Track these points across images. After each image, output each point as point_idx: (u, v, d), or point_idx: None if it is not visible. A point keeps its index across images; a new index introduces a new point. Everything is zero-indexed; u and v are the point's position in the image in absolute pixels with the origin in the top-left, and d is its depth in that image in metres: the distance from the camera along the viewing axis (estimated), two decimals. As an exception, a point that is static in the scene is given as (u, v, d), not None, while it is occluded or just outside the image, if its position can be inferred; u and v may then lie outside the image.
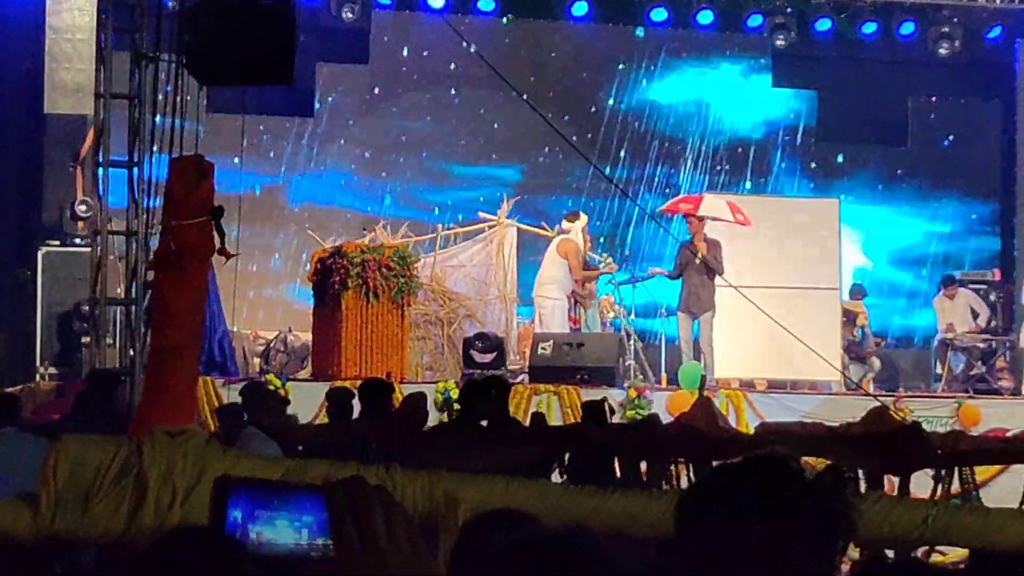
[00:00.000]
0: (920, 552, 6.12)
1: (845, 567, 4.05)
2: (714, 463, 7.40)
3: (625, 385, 15.81)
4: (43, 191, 19.11)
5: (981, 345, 19.20)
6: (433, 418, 12.03)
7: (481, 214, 19.32)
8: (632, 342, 18.40)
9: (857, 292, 20.56)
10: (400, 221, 19.21)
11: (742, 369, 18.13)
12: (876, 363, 19.75)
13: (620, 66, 23.40)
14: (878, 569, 3.74)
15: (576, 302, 18.11)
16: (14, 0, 19.50)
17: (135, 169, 14.74)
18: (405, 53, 22.84)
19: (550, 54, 23.10)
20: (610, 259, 18.96)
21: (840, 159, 23.95)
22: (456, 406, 11.57)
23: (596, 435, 9.04)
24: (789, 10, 22.81)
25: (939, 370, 19.25)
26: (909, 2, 22.55)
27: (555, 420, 13.76)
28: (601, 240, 20.53)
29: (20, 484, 5.18)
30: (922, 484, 9.02)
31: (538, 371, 15.84)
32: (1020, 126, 22.82)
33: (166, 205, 7.07)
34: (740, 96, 23.59)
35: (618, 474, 8.77)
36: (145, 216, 14.01)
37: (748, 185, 22.98)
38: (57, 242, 17.95)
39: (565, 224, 17.91)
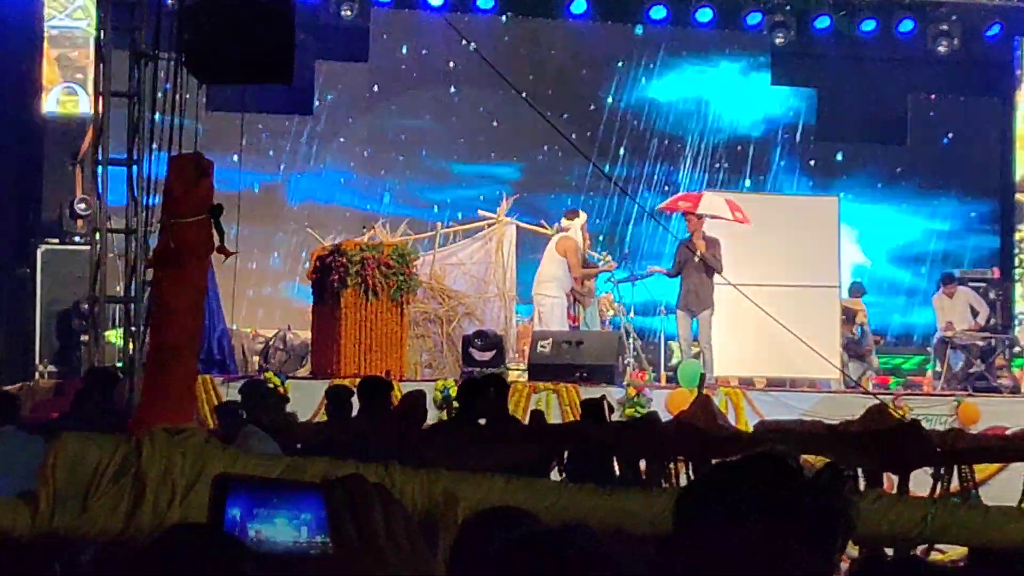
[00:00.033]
0: (919, 550, 6.12)
1: (844, 565, 4.06)
2: (713, 461, 7.40)
3: (624, 383, 15.81)
4: (42, 189, 19.12)
5: (980, 343, 19.19)
6: (432, 416, 12.02)
7: (480, 212, 19.31)
8: (631, 340, 18.41)
9: (856, 290, 20.56)
10: (399, 219, 19.21)
11: (741, 367, 18.13)
12: (875, 361, 19.76)
13: (619, 64, 23.40)
14: (877, 567, 3.74)
15: (575, 300, 18.11)
16: (13, -1, 19.50)
17: (134, 167, 14.73)
18: (404, 51, 22.84)
19: (549, 52, 23.10)
20: (609, 257, 18.97)
21: (839, 157, 23.96)
22: (455, 404, 11.56)
23: (595, 433, 9.04)
24: (788, 8, 22.82)
25: (938, 368, 19.25)
26: (908, 0, 22.55)
27: (554, 418, 13.75)
28: (600, 238, 20.54)
29: (18, 482, 5.18)
30: (921, 482, 9.01)
31: (537, 369, 15.84)
32: (1019, 124, 22.84)
33: (165, 203, 7.06)
34: (739, 94, 23.60)
35: (617, 472, 8.77)
36: (144, 214, 14.01)
37: (747, 183, 22.99)
38: (56, 240, 17.96)
39: (564, 222, 17.91)
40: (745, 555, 2.30)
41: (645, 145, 23.24)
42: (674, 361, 17.98)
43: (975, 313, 19.53)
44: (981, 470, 10.51)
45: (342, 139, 22.90)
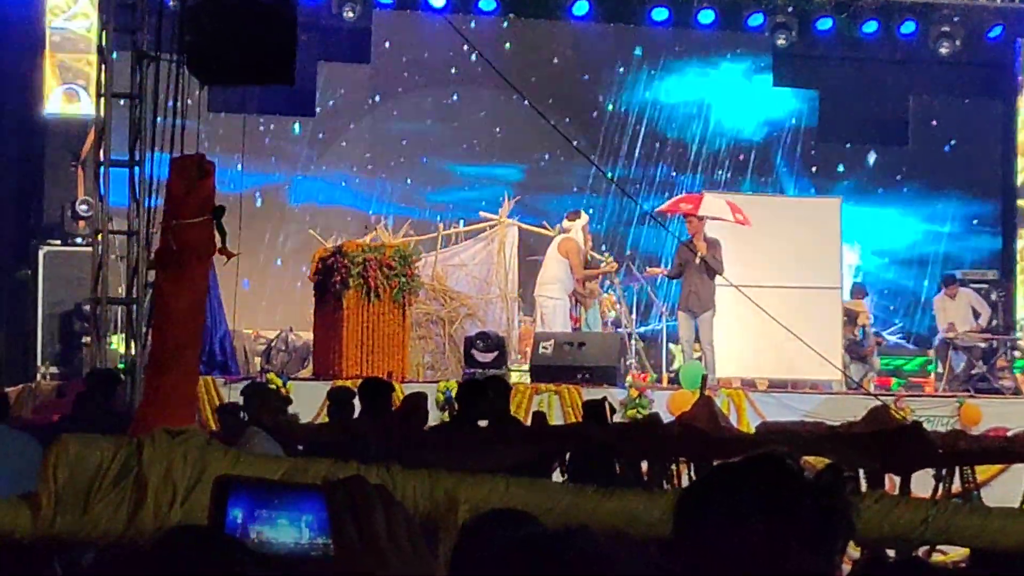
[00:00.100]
0: (921, 551, 6.11)
1: (846, 567, 4.05)
2: (715, 462, 7.40)
3: (626, 384, 15.81)
4: (44, 190, 19.12)
5: (982, 345, 19.20)
6: (434, 417, 12.02)
7: (482, 213, 19.32)
8: (633, 341, 18.42)
9: (858, 291, 20.56)
10: (401, 220, 19.22)
11: (743, 368, 18.12)
12: (877, 362, 19.75)
13: (621, 65, 23.41)
14: (879, 568, 3.74)
15: (577, 301, 18.11)
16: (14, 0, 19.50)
17: (136, 168, 14.75)
18: (406, 53, 22.83)
19: (551, 53, 23.11)
20: (611, 258, 18.97)
21: (841, 159, 23.95)
22: (456, 405, 11.57)
23: (597, 434, 9.05)
24: (790, 9, 22.82)
25: (940, 369, 19.25)
26: (910, 1, 22.57)
27: (556, 419, 13.75)
28: (602, 240, 20.54)
29: (11, 482, 5.18)
30: (923, 483, 9.02)
31: (539, 370, 15.84)
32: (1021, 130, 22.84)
33: (167, 204, 7.07)
34: (741, 95, 23.60)
35: (619, 473, 8.77)
36: (146, 215, 14.02)
37: (749, 184, 22.98)
38: (58, 241, 17.96)
39: (566, 223, 17.92)
40: (746, 556, 2.30)
41: (647, 146, 23.23)
42: (675, 366, 17.96)
43: (977, 315, 19.53)
44: (983, 471, 10.49)
45: (344, 140, 22.90)
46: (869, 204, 23.32)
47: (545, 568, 2.60)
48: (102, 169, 15.04)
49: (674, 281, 17.74)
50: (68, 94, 18.80)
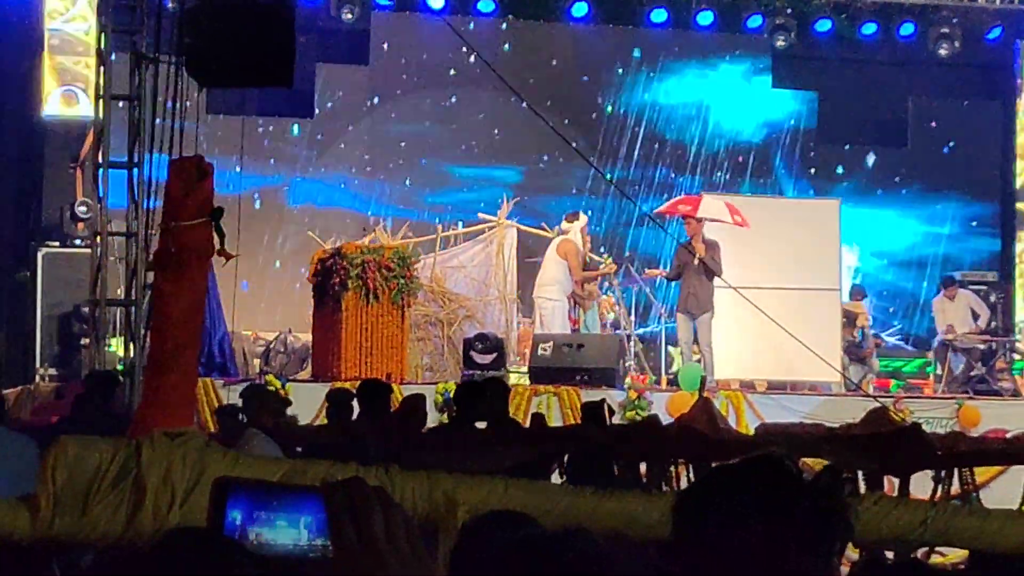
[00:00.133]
0: (920, 553, 6.12)
1: (845, 568, 4.05)
2: (714, 464, 7.40)
3: (625, 386, 15.81)
4: (43, 192, 19.13)
5: (981, 346, 19.20)
6: (433, 419, 12.02)
7: (481, 215, 19.32)
8: (632, 343, 18.42)
9: (857, 293, 20.56)
10: (400, 222, 19.22)
11: (742, 370, 18.12)
12: (876, 364, 19.75)
13: (620, 67, 23.41)
14: (877, 570, 3.74)
15: (575, 303, 18.11)
16: (13, 1, 19.50)
17: (135, 170, 14.75)
18: (405, 54, 22.83)
19: (550, 55, 23.11)
20: (610, 259, 18.97)
21: (840, 160, 23.96)
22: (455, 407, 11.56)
23: (596, 436, 9.04)
24: (789, 11, 22.82)
25: (939, 371, 19.25)
26: (909, 3, 22.57)
27: (555, 421, 13.75)
28: (601, 241, 20.54)
29: (7, 483, 5.18)
30: (922, 485, 9.02)
31: (538, 372, 15.84)
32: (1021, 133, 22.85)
33: (165, 206, 7.06)
34: (740, 97, 23.60)
35: (618, 475, 8.77)
36: (145, 217, 14.01)
37: (748, 186, 22.98)
38: (57, 243, 17.96)
39: (564, 224, 17.92)
40: (745, 558, 2.30)
41: (645, 148, 23.23)
42: (674, 369, 17.96)
43: (976, 316, 19.53)
44: (981, 473, 10.50)
45: (343, 142, 22.91)
46: (868, 205, 23.32)
47: (544, 569, 2.60)
48: (101, 171, 15.04)
49: (673, 283, 17.75)
50: (67, 96, 18.80)
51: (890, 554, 5.09)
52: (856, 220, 22.22)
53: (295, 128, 22.73)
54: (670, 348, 18.86)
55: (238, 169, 17.18)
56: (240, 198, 16.86)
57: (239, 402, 11.10)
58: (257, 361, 18.49)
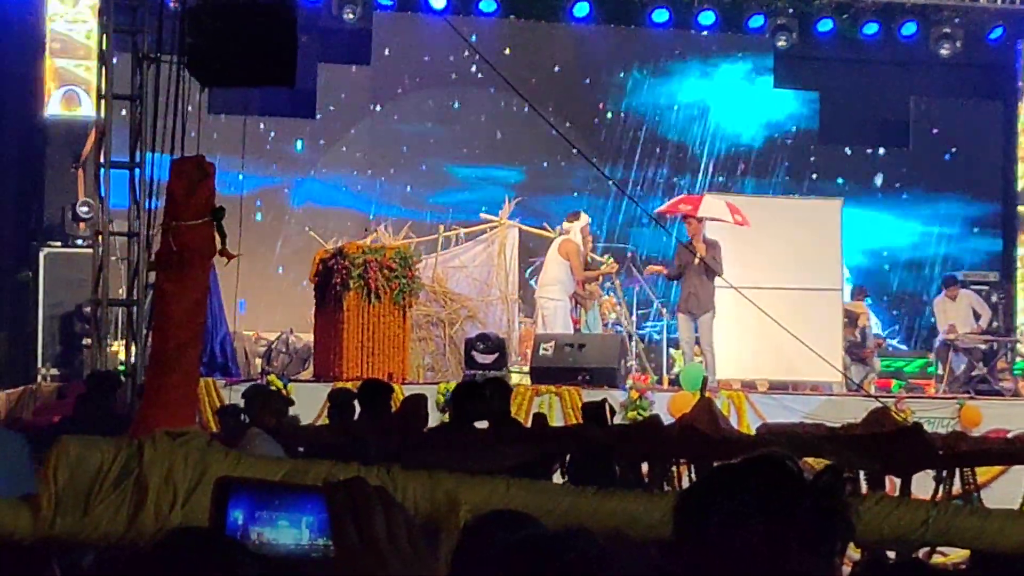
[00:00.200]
0: (921, 553, 6.11)
1: (846, 568, 4.05)
2: (715, 464, 7.40)
3: (627, 386, 15.80)
4: (45, 192, 19.13)
5: (982, 346, 19.19)
6: (435, 419, 12.00)
7: (483, 215, 19.32)
8: (634, 343, 18.41)
9: (858, 293, 20.56)
10: (402, 222, 19.22)
11: (743, 370, 18.12)
12: (877, 364, 19.75)
13: (621, 67, 23.41)
14: (879, 570, 3.74)
15: (577, 303, 18.10)
16: (14, 1, 19.52)
17: (136, 170, 14.77)
18: (406, 54, 22.83)
19: (552, 54, 23.11)
20: (611, 259, 18.96)
21: (842, 160, 23.95)
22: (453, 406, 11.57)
23: (597, 436, 9.04)
24: (791, 11, 22.83)
25: (940, 371, 19.24)
26: (910, 3, 22.57)
27: (556, 421, 13.75)
28: (602, 241, 20.53)
29: (2, 482, 5.17)
30: (923, 485, 9.01)
31: (539, 372, 15.84)
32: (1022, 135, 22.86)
33: (167, 206, 7.06)
34: (742, 97, 23.61)
35: (619, 475, 8.77)
36: (147, 217, 14.02)
37: (750, 186, 22.98)
38: (59, 243, 17.97)
39: (565, 224, 17.91)
40: (746, 557, 2.30)
41: (647, 148, 23.24)
42: (676, 370, 17.95)
43: (977, 316, 19.53)
44: (983, 473, 10.48)
45: (344, 142, 22.91)
46: (869, 206, 23.33)
47: (545, 569, 2.61)
48: (102, 171, 15.07)
49: (674, 283, 17.74)
50: (68, 96, 18.81)
51: (892, 554, 5.09)
52: (857, 220, 22.22)
53: (297, 127, 22.73)
54: (671, 351, 18.86)
55: (240, 169, 17.18)
56: (242, 198, 16.86)
57: (241, 402, 11.10)
58: (259, 361, 18.49)
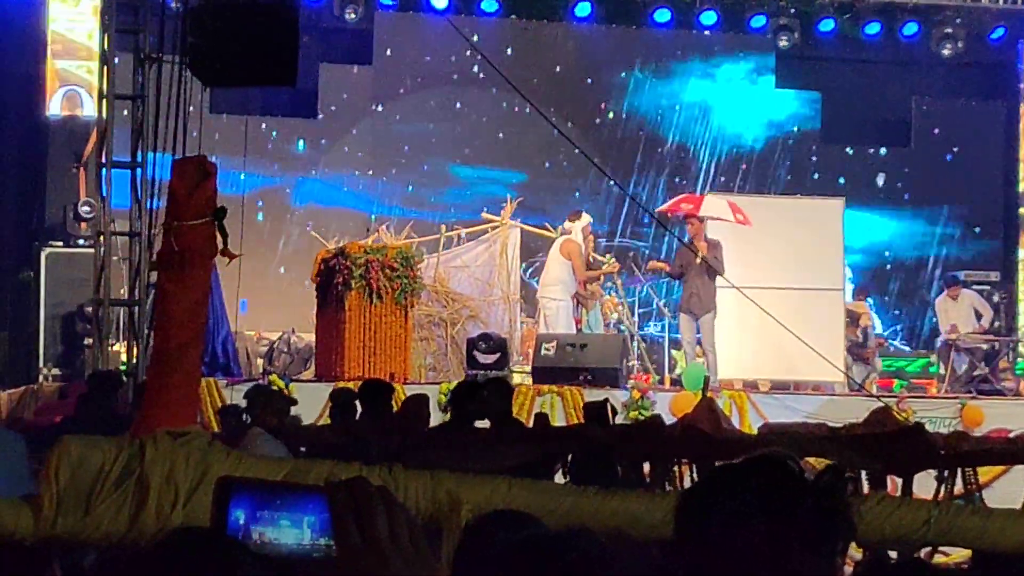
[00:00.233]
0: (923, 553, 6.12)
1: (848, 568, 4.05)
2: (717, 464, 7.40)
3: (628, 386, 15.80)
4: (46, 192, 19.14)
5: (984, 346, 19.18)
6: (436, 419, 12.00)
7: (484, 215, 19.32)
8: (635, 343, 18.41)
9: (860, 293, 20.55)
10: (403, 222, 19.22)
11: (745, 370, 18.12)
12: (879, 364, 19.75)
13: (623, 66, 23.40)
14: (881, 570, 3.74)
15: (578, 303, 18.10)
16: (15, 2, 19.53)
17: (138, 170, 14.77)
18: (408, 54, 22.83)
19: (554, 54, 23.11)
20: (612, 259, 18.96)
21: (843, 160, 23.95)
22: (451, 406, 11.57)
23: (599, 436, 9.04)
24: (793, 11, 22.83)
25: (942, 371, 19.24)
26: (912, 3, 22.56)
27: (558, 421, 13.75)
28: (604, 241, 20.53)
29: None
30: (925, 485, 9.01)
31: (541, 372, 15.84)
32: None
33: (169, 206, 7.06)
34: (743, 97, 23.61)
35: (621, 475, 8.77)
36: (148, 217, 14.03)
37: (751, 185, 22.97)
38: (60, 243, 17.97)
39: (567, 224, 17.91)
40: (748, 557, 2.30)
41: (649, 148, 23.23)
42: (677, 371, 17.95)
43: (979, 316, 19.52)
44: (985, 473, 10.49)
45: (346, 142, 22.91)
46: (871, 205, 23.32)
47: (547, 569, 2.60)
48: (104, 170, 15.08)
49: (675, 283, 17.74)
50: (70, 96, 18.83)
51: (893, 554, 5.09)
52: (859, 219, 22.22)
53: (298, 127, 22.73)
54: (673, 352, 18.86)
55: (241, 169, 17.19)
56: (243, 198, 16.88)
57: (242, 402, 11.10)
58: (260, 361, 18.49)
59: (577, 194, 22.16)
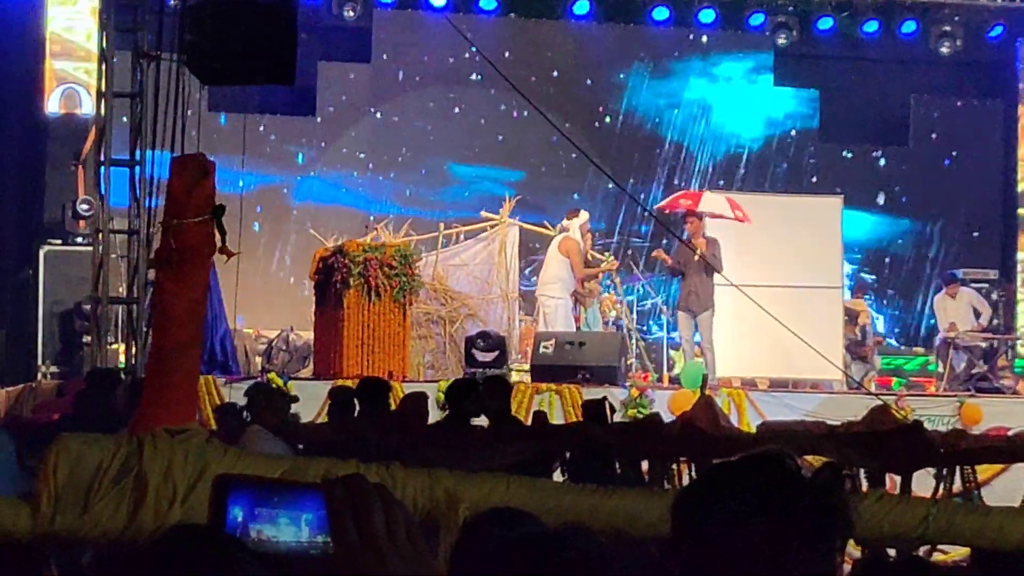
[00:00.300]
0: (922, 550, 6.12)
1: (847, 566, 4.05)
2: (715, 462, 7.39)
3: (627, 384, 15.80)
4: (45, 190, 19.13)
5: (983, 344, 19.19)
6: (435, 417, 12.00)
7: (483, 213, 19.31)
8: (634, 341, 18.41)
9: (859, 291, 20.54)
10: (402, 220, 19.21)
11: (744, 368, 18.12)
12: (878, 362, 19.74)
13: (622, 65, 23.41)
14: (879, 568, 3.74)
15: (576, 301, 18.10)
16: (15, 3, 19.53)
17: (137, 168, 14.77)
18: (407, 52, 22.83)
19: (552, 52, 23.10)
20: (611, 257, 18.96)
21: (842, 158, 23.95)
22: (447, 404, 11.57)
23: (597, 434, 9.05)
24: (791, 9, 22.84)
25: (941, 369, 19.24)
26: (911, 1, 22.57)
27: (557, 419, 13.74)
28: (603, 238, 20.53)
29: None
30: (924, 483, 9.01)
31: (540, 370, 15.84)
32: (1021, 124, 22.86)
33: (167, 204, 7.06)
34: (742, 95, 23.61)
35: (619, 473, 8.77)
36: (147, 215, 14.03)
37: (750, 183, 22.97)
38: (59, 241, 17.97)
39: (565, 222, 17.91)
40: (745, 555, 2.30)
41: (647, 145, 23.24)
42: (676, 371, 17.95)
43: (977, 314, 19.51)
44: (983, 471, 10.48)
45: (344, 140, 22.91)
46: (870, 203, 23.32)
47: (545, 567, 2.60)
48: (103, 168, 15.08)
49: (674, 280, 17.74)
50: (69, 94, 18.82)
51: (892, 552, 5.09)
52: (858, 217, 22.23)
53: (297, 125, 22.73)
54: (671, 352, 18.86)
55: (240, 168, 17.17)
56: (242, 196, 16.87)
57: (241, 400, 11.10)
58: (259, 359, 18.49)
59: (575, 193, 22.15)
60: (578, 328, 17.76)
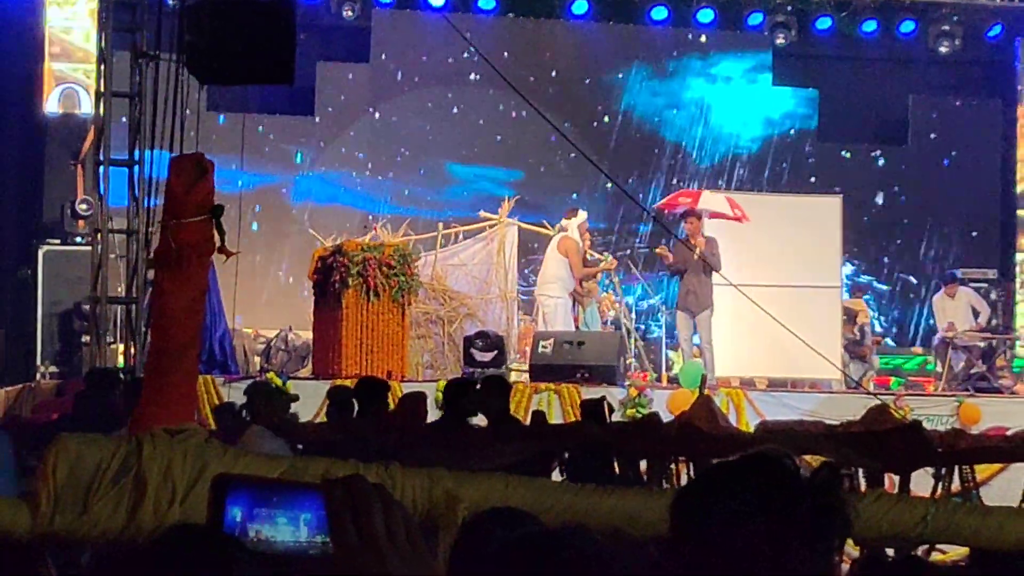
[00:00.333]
0: (921, 550, 6.12)
1: (846, 566, 4.05)
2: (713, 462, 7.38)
3: (626, 383, 15.80)
4: (44, 190, 19.14)
5: (981, 344, 19.19)
6: (434, 417, 12.01)
7: (482, 213, 19.31)
8: (633, 341, 18.40)
9: (858, 290, 20.54)
10: (401, 219, 19.21)
11: (742, 368, 18.12)
12: (876, 361, 19.74)
13: (620, 64, 23.41)
14: (878, 567, 3.75)
15: (575, 301, 18.10)
16: (14, 3, 19.53)
17: (135, 168, 14.77)
18: (406, 52, 22.83)
19: (551, 52, 23.11)
20: (610, 256, 18.96)
21: (840, 157, 23.95)
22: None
23: (596, 433, 9.05)
24: (790, 8, 22.84)
25: (939, 368, 19.24)
26: (909, 0, 22.57)
27: (556, 418, 13.74)
28: (601, 238, 20.53)
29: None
30: (922, 482, 9.02)
31: (538, 370, 15.84)
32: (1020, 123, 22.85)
33: (166, 203, 7.06)
34: (741, 94, 23.61)
35: (618, 472, 8.77)
36: (146, 215, 14.03)
37: (748, 183, 22.99)
38: (58, 241, 17.97)
39: (563, 221, 17.91)
40: (744, 554, 2.30)
41: (646, 145, 23.24)
42: (675, 370, 17.95)
43: (976, 314, 19.52)
44: (982, 470, 10.49)
45: (343, 140, 22.90)
46: (869, 203, 23.32)
47: (543, 567, 2.60)
48: (101, 168, 15.07)
49: (672, 280, 17.73)
50: (67, 94, 18.82)
51: (891, 551, 5.09)
52: (857, 217, 22.22)
53: (296, 125, 22.72)
54: (670, 352, 18.86)
55: (239, 167, 17.16)
56: (241, 196, 16.86)
57: (240, 400, 11.09)
58: (258, 359, 18.49)
59: (574, 193, 22.15)
60: (577, 328, 17.75)
